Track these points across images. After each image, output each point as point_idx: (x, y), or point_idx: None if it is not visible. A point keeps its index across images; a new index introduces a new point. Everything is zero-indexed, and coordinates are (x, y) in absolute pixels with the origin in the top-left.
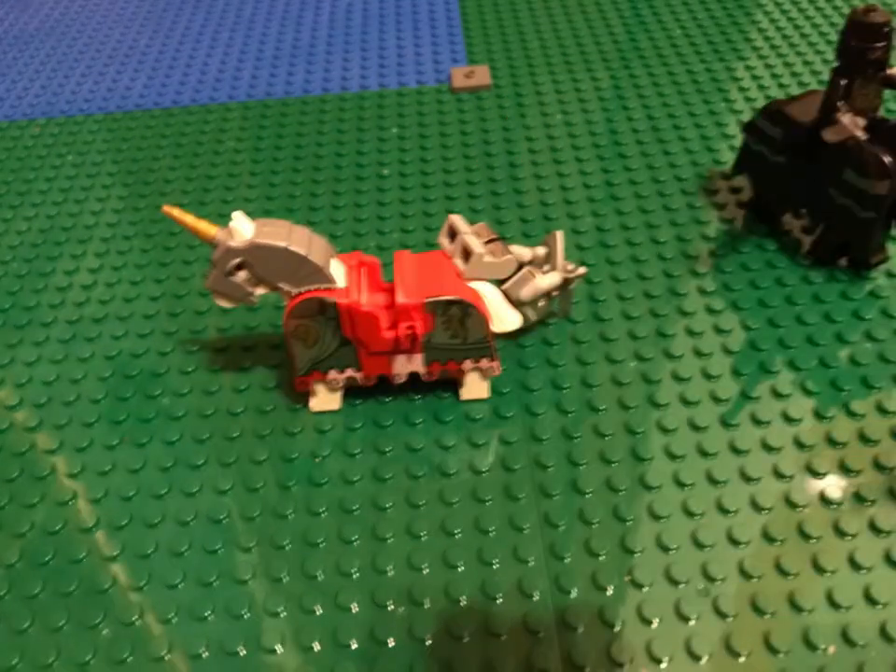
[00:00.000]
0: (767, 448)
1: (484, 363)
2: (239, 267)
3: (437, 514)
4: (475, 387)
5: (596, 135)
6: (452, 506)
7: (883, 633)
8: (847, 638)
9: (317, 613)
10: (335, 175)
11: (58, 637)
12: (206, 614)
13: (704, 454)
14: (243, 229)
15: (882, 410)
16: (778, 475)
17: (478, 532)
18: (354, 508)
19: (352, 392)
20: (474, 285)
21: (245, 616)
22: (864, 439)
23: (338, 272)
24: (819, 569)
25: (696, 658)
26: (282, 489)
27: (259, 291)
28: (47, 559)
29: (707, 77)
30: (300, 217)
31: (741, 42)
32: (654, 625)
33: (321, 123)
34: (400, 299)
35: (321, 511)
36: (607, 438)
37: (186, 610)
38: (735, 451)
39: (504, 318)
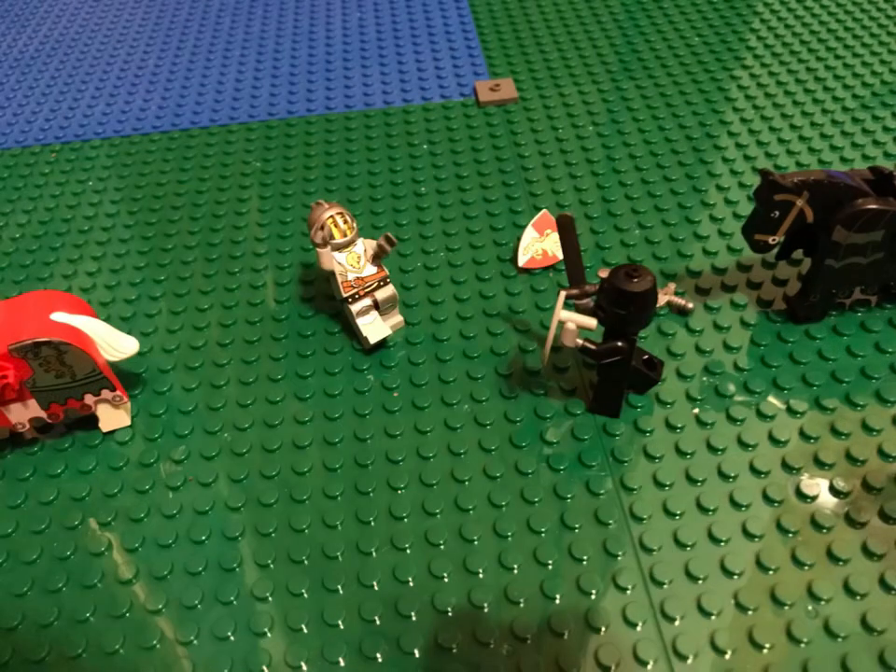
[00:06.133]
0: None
1: (106, 394)
2: None
3: (453, 521)
4: (113, 417)
5: (631, 146)
6: (468, 512)
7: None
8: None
9: (340, 627)
10: (370, 195)
11: (77, 664)
12: (228, 634)
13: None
14: None
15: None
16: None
17: (496, 537)
18: (370, 519)
19: None
20: (74, 319)
21: (268, 634)
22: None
23: None
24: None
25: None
26: (296, 502)
27: None
28: (59, 586)
29: (733, 85)
30: None
31: (761, 47)
32: (677, 622)
33: (349, 141)
34: None
35: (337, 523)
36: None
37: (207, 631)
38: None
39: (118, 345)
